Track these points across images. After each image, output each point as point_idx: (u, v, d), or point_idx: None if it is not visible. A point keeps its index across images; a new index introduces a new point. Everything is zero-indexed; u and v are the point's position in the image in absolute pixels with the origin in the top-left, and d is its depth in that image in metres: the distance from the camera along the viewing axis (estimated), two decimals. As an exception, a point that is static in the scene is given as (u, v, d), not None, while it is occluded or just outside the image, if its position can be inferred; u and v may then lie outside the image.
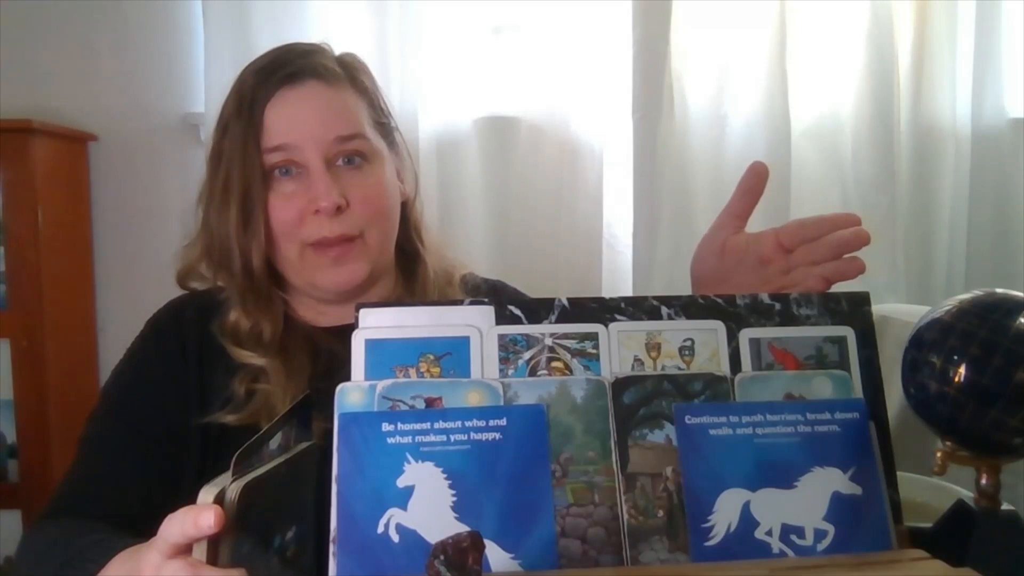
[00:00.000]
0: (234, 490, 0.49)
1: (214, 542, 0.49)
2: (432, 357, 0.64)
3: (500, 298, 0.69)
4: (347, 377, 0.64)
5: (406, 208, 0.97)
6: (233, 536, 0.49)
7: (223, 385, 0.85)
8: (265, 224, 0.86)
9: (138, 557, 0.57)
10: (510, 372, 0.64)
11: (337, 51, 0.94)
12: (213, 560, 0.50)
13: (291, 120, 0.86)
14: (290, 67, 0.87)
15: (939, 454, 0.66)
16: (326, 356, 0.87)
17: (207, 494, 0.49)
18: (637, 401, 0.63)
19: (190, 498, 0.51)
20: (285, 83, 0.86)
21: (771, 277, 0.79)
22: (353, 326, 0.66)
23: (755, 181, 0.83)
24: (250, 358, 0.85)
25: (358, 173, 0.88)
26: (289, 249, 0.87)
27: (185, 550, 0.51)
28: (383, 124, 0.94)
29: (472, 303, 0.67)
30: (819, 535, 0.61)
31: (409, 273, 0.97)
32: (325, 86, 0.88)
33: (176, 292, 0.95)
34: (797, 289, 0.75)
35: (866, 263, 0.76)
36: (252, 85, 0.87)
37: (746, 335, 0.67)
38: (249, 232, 0.86)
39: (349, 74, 0.91)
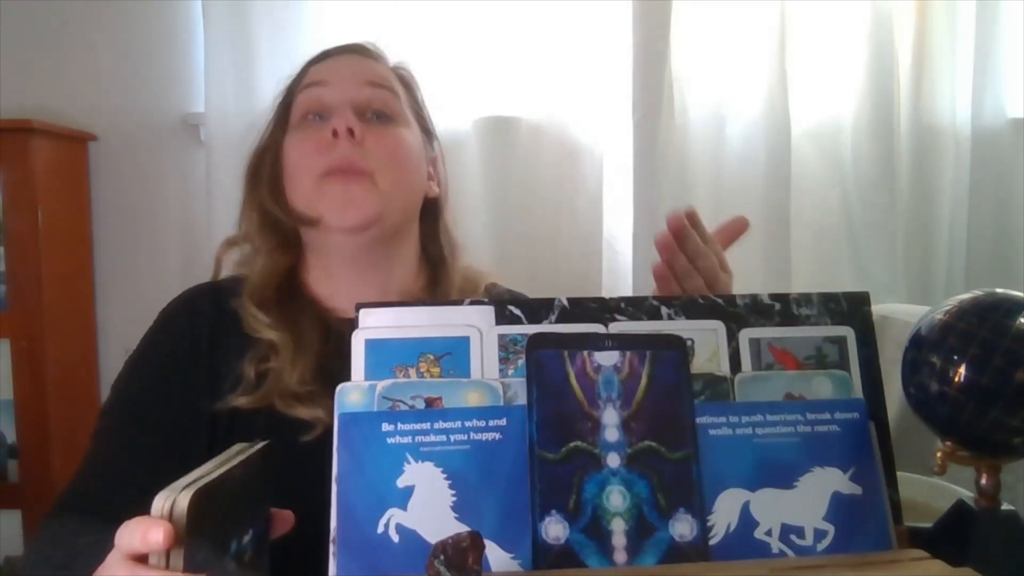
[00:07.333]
0: (184, 498, 0.48)
1: (167, 550, 0.49)
2: (432, 357, 0.64)
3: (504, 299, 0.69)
4: (347, 376, 0.64)
5: (435, 206, 0.99)
6: (188, 543, 0.49)
7: (234, 369, 0.84)
8: (283, 167, 0.90)
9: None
10: (510, 372, 0.64)
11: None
12: (166, 567, 0.49)
13: (329, 67, 0.94)
14: (344, 45, 0.97)
15: (939, 454, 0.66)
16: (336, 337, 0.86)
17: (163, 500, 0.48)
18: (637, 401, 0.63)
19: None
20: (335, 53, 0.96)
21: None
22: None
23: (734, 230, 0.87)
24: (264, 329, 0.85)
25: (382, 126, 0.91)
26: (305, 180, 0.88)
27: (141, 556, 0.50)
28: (422, 117, 0.99)
29: (472, 303, 0.67)
30: (819, 535, 0.61)
31: (434, 275, 0.96)
32: (372, 59, 0.96)
33: (175, 290, 0.95)
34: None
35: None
36: (307, 62, 0.97)
37: (746, 335, 0.67)
38: (273, 175, 0.92)
39: (396, 68, 0.99)
